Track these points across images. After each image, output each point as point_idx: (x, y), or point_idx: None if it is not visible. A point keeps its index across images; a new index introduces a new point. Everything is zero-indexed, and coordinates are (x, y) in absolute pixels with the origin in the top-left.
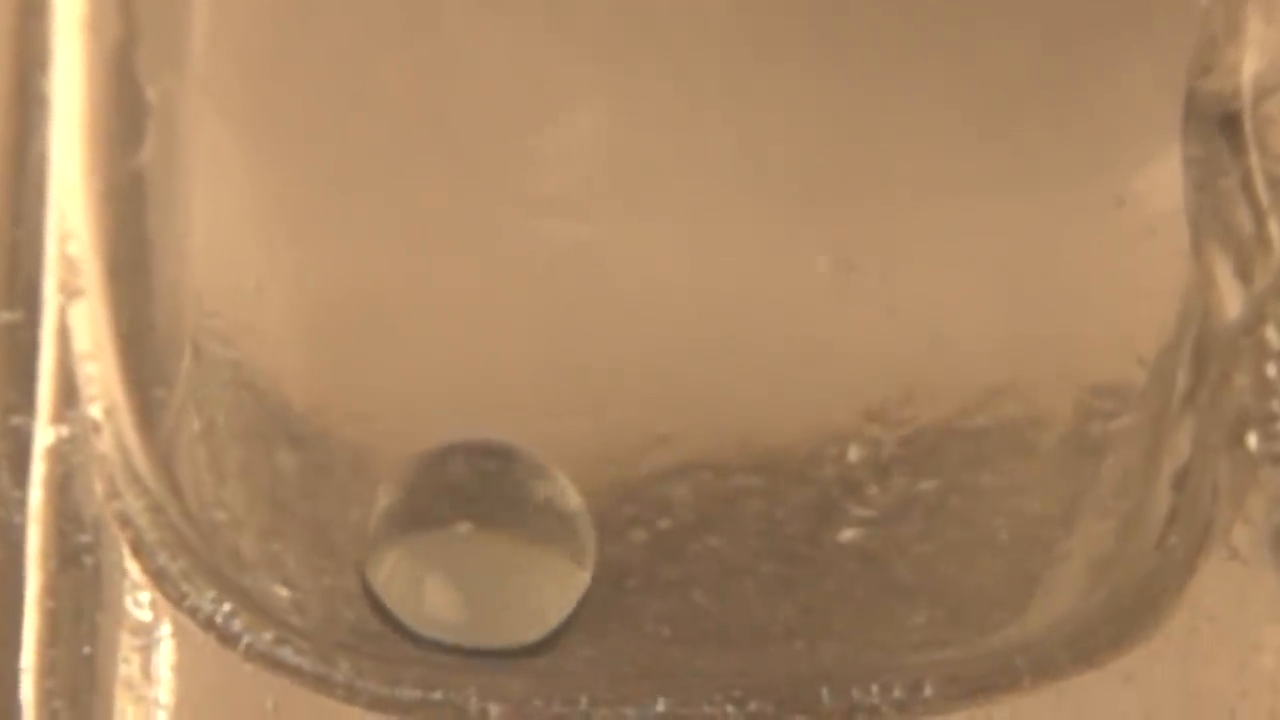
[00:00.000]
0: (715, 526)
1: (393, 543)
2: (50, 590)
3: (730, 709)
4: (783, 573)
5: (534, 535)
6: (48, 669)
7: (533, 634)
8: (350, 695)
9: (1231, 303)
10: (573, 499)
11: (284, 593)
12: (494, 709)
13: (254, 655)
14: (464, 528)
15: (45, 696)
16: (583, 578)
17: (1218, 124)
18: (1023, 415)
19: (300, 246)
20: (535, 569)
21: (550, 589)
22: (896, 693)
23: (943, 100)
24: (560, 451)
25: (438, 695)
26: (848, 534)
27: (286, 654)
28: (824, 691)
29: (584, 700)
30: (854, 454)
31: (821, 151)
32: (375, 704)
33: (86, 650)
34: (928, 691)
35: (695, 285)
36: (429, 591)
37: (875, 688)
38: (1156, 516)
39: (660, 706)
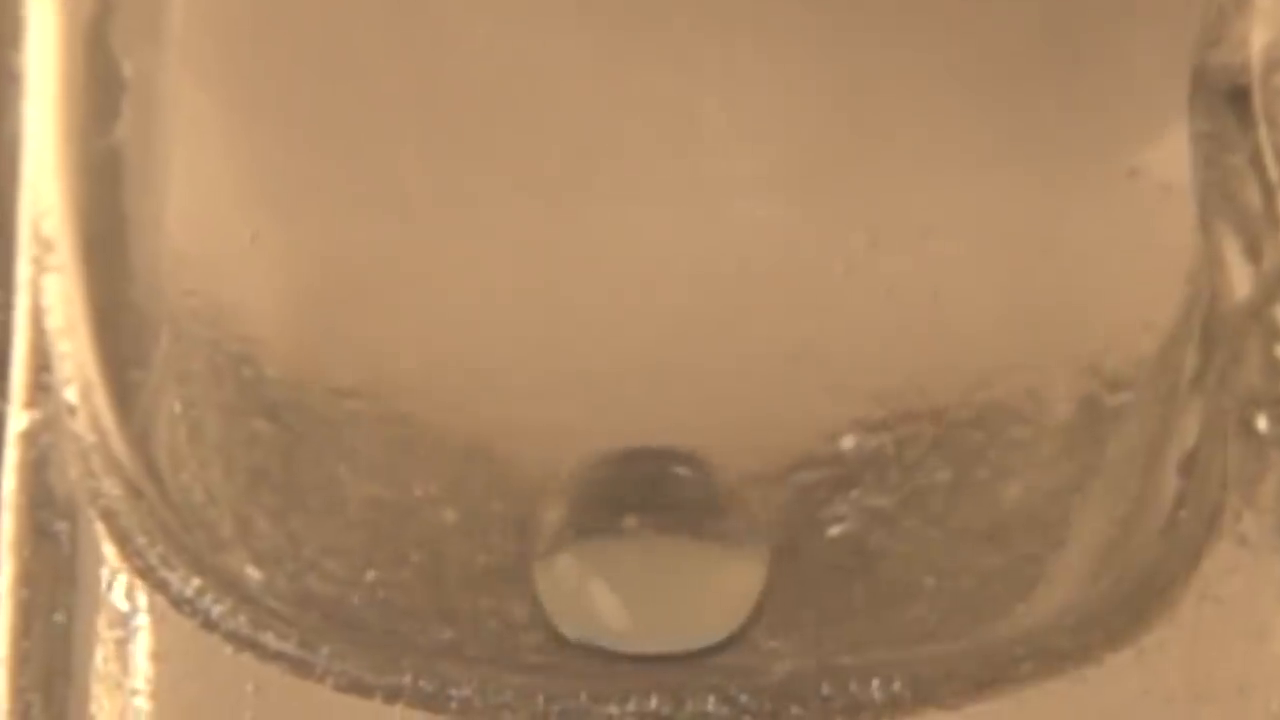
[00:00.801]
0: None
1: (564, 550)
2: (24, 579)
3: (725, 710)
4: (781, 563)
5: (704, 536)
6: (21, 660)
7: (711, 637)
8: (330, 679)
9: (1240, 282)
10: (749, 500)
11: (264, 575)
12: (476, 696)
13: (233, 639)
14: (632, 532)
15: (19, 689)
16: (759, 578)
17: (1226, 98)
18: (1026, 398)
19: (282, 222)
20: (708, 570)
21: (725, 590)
22: (897, 686)
23: (944, 75)
24: (548, 430)
25: (422, 682)
26: (847, 523)
27: (266, 638)
28: (823, 686)
29: (583, 695)
30: (853, 440)
31: (821, 129)
32: (355, 687)
33: (61, 641)
34: (928, 685)
35: (689, 267)
36: (598, 599)
37: (876, 682)
38: (1164, 502)
39: (653, 703)
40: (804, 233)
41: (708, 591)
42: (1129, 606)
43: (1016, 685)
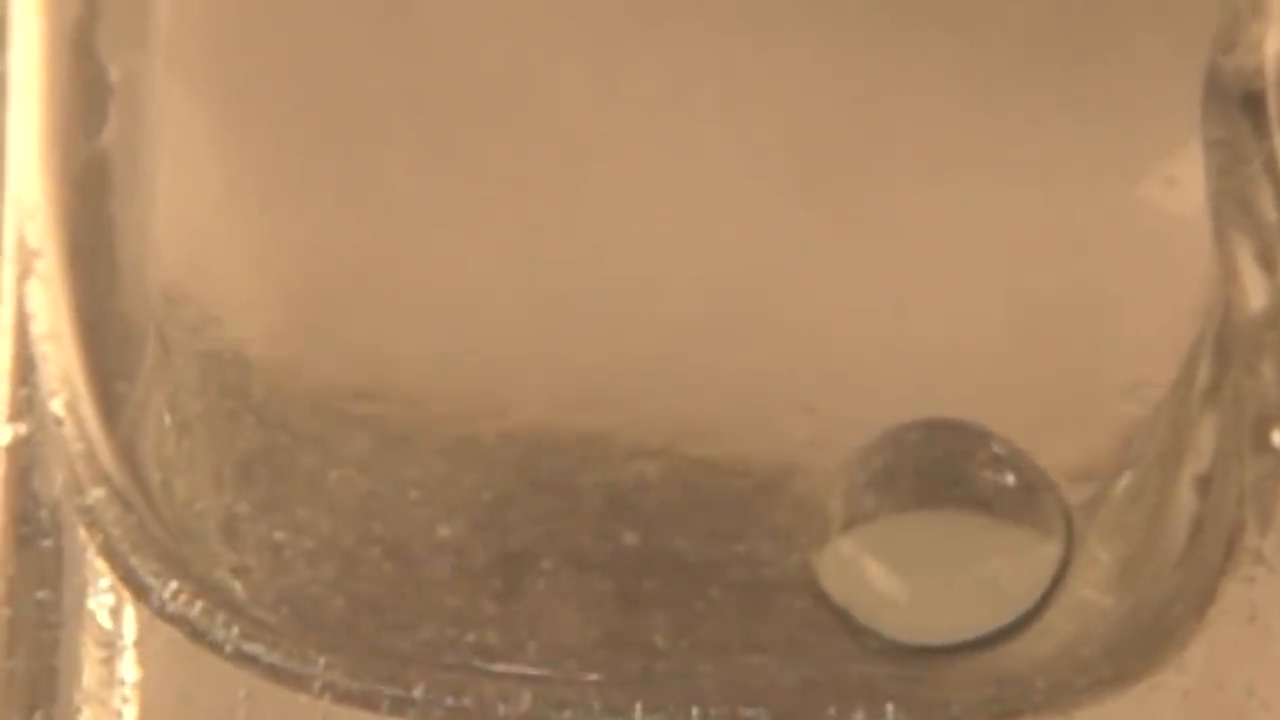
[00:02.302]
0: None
1: (844, 534)
2: (9, 595)
3: None
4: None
5: (997, 513)
6: (6, 678)
7: (1006, 618)
8: (320, 690)
9: (1255, 293)
10: (1030, 470)
11: (253, 587)
12: (473, 706)
13: (222, 651)
14: (919, 512)
15: (4, 708)
16: (1053, 552)
17: (1240, 104)
18: (1033, 411)
19: (271, 228)
20: (1002, 549)
21: (1020, 569)
22: (904, 712)
23: (949, 78)
24: (544, 433)
25: (415, 692)
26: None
27: (256, 649)
28: (831, 711)
29: (596, 706)
30: (855, 451)
31: (822, 132)
32: (346, 699)
33: (48, 656)
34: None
35: (687, 272)
36: (881, 582)
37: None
38: (1180, 522)
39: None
40: (805, 240)
41: (1010, 570)
42: (1149, 632)
43: (1035, 714)
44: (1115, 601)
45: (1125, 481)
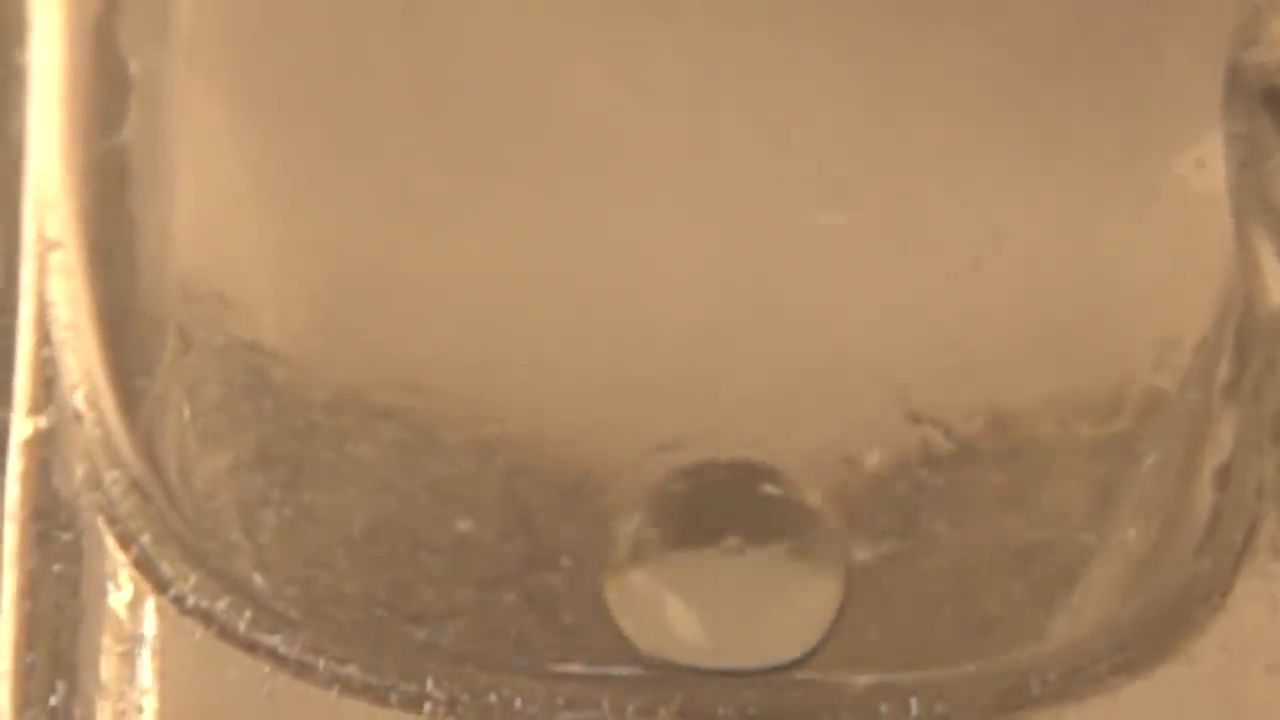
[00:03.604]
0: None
1: (641, 565)
2: (28, 592)
3: None
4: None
5: (781, 550)
6: (26, 671)
7: (788, 653)
8: (339, 684)
9: (1276, 288)
10: (814, 504)
11: (272, 581)
12: (476, 701)
13: (242, 645)
14: (708, 547)
15: (24, 702)
16: (835, 589)
17: (1261, 99)
18: (1055, 409)
19: (291, 223)
20: (785, 585)
21: (803, 605)
22: (926, 705)
23: (970, 75)
24: (562, 431)
25: (434, 688)
26: (868, 539)
27: (276, 643)
28: (844, 710)
29: (604, 704)
30: (875, 455)
31: (843, 129)
32: (365, 693)
33: (67, 651)
34: (953, 708)
35: (707, 267)
36: (672, 615)
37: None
38: (1199, 515)
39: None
40: (826, 236)
41: (785, 608)
42: (1165, 623)
43: (1053, 704)
44: (1134, 589)
45: (1149, 462)
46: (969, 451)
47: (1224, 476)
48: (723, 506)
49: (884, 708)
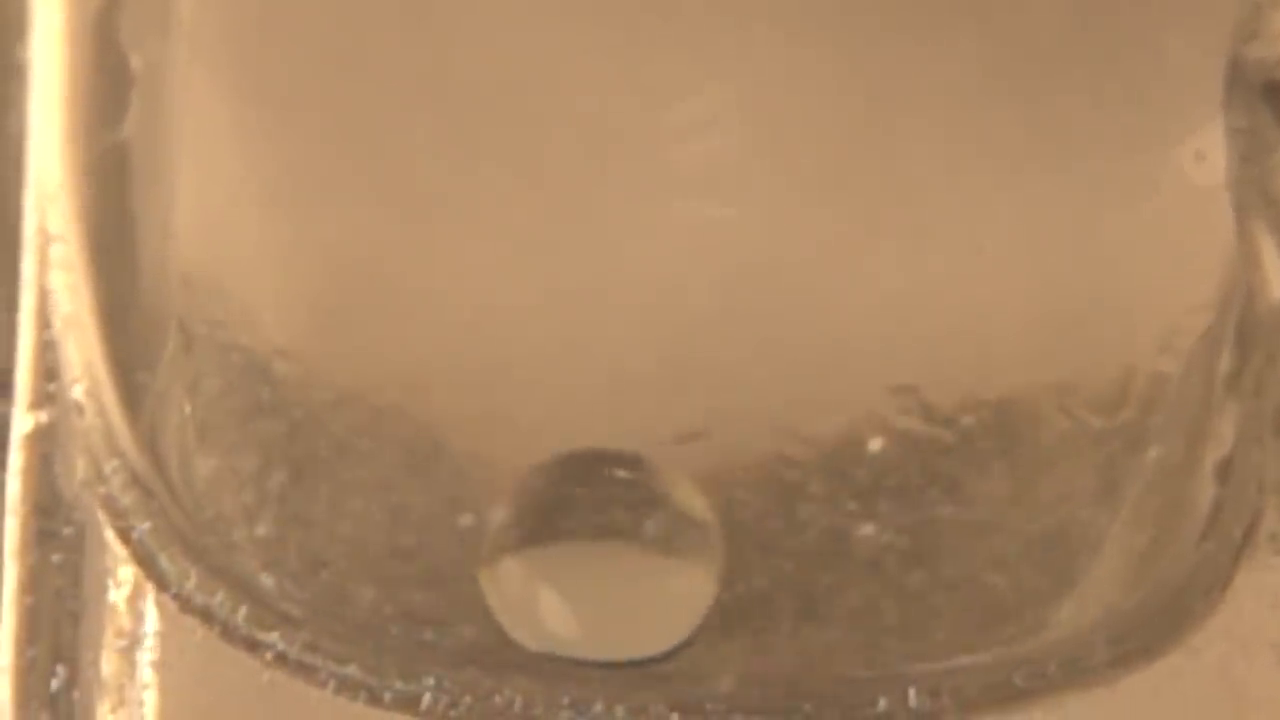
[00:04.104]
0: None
1: (511, 557)
2: (29, 585)
3: (741, 717)
4: (800, 571)
5: (658, 545)
6: (27, 668)
7: (658, 646)
8: (341, 684)
9: (1277, 282)
10: (699, 507)
11: (275, 578)
12: (478, 702)
13: (244, 643)
14: (585, 539)
15: (24, 697)
16: (710, 588)
17: (1263, 93)
18: (1055, 401)
19: (293, 219)
20: (661, 579)
21: (676, 600)
22: (929, 698)
23: (972, 66)
24: (567, 428)
25: (434, 688)
26: (869, 530)
27: (277, 641)
28: (844, 699)
29: (598, 703)
30: (877, 444)
31: (842, 123)
32: (366, 693)
33: (68, 646)
34: (952, 699)
35: (711, 261)
36: (546, 606)
37: (912, 692)
38: (1200, 508)
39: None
40: (825, 231)
41: (659, 599)
42: (1165, 615)
43: (1052, 696)
44: (1135, 581)
45: (1150, 455)
46: (970, 442)
47: (1225, 470)
48: (586, 498)
49: (882, 700)
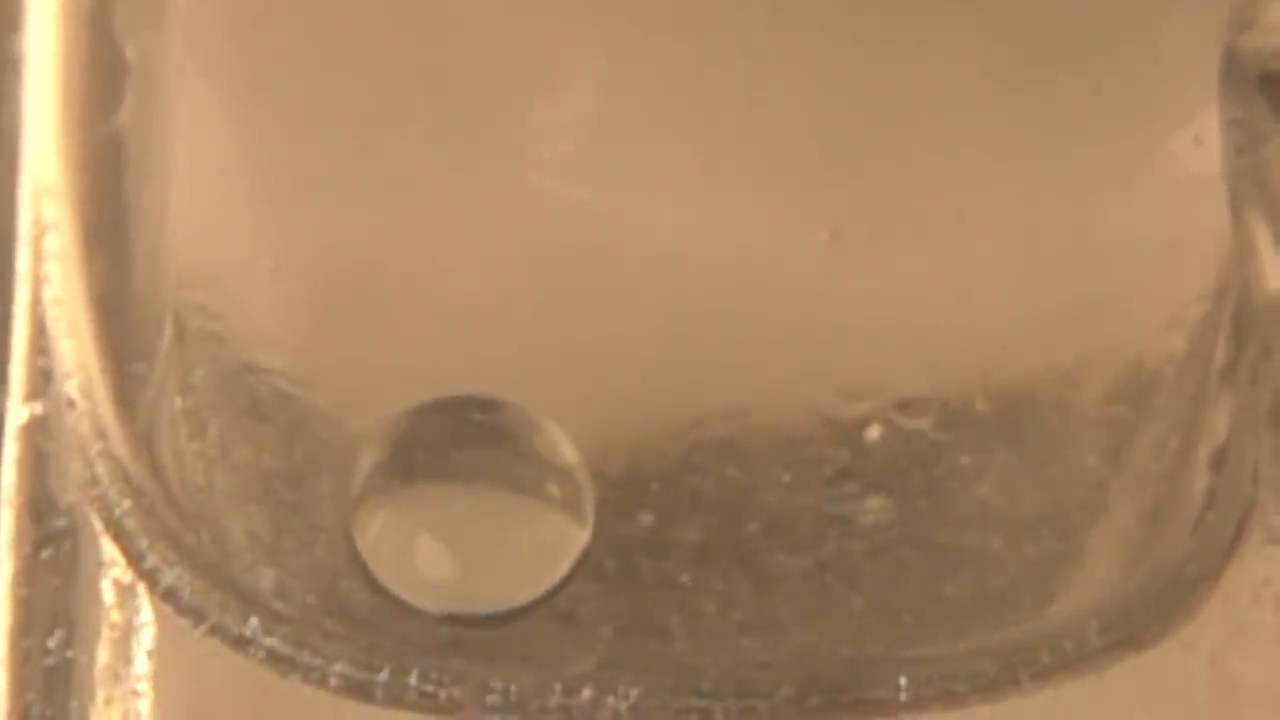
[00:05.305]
0: (719, 505)
1: (380, 504)
2: (23, 577)
3: (732, 701)
4: (794, 557)
5: (529, 491)
6: (21, 660)
7: (529, 594)
8: (333, 682)
9: (1272, 273)
10: (568, 452)
11: (269, 576)
12: (471, 696)
13: (234, 639)
14: (455, 485)
15: (19, 688)
16: (581, 535)
17: (1258, 84)
18: (1051, 391)
19: (288, 212)
20: (532, 526)
21: (548, 547)
22: (923, 684)
23: (967, 59)
24: (562, 418)
25: (426, 685)
26: (864, 518)
27: (268, 639)
28: (839, 683)
29: (585, 689)
30: (873, 432)
31: (839, 113)
32: (360, 691)
33: (61, 640)
34: (947, 683)
35: (704, 253)
36: (419, 553)
37: (903, 679)
38: (1194, 498)
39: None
40: (824, 221)
41: (529, 544)
42: (1158, 604)
43: (1044, 684)
44: (1128, 570)
45: (1145, 444)
46: (965, 430)
47: (1219, 460)
48: (453, 443)
49: (873, 687)
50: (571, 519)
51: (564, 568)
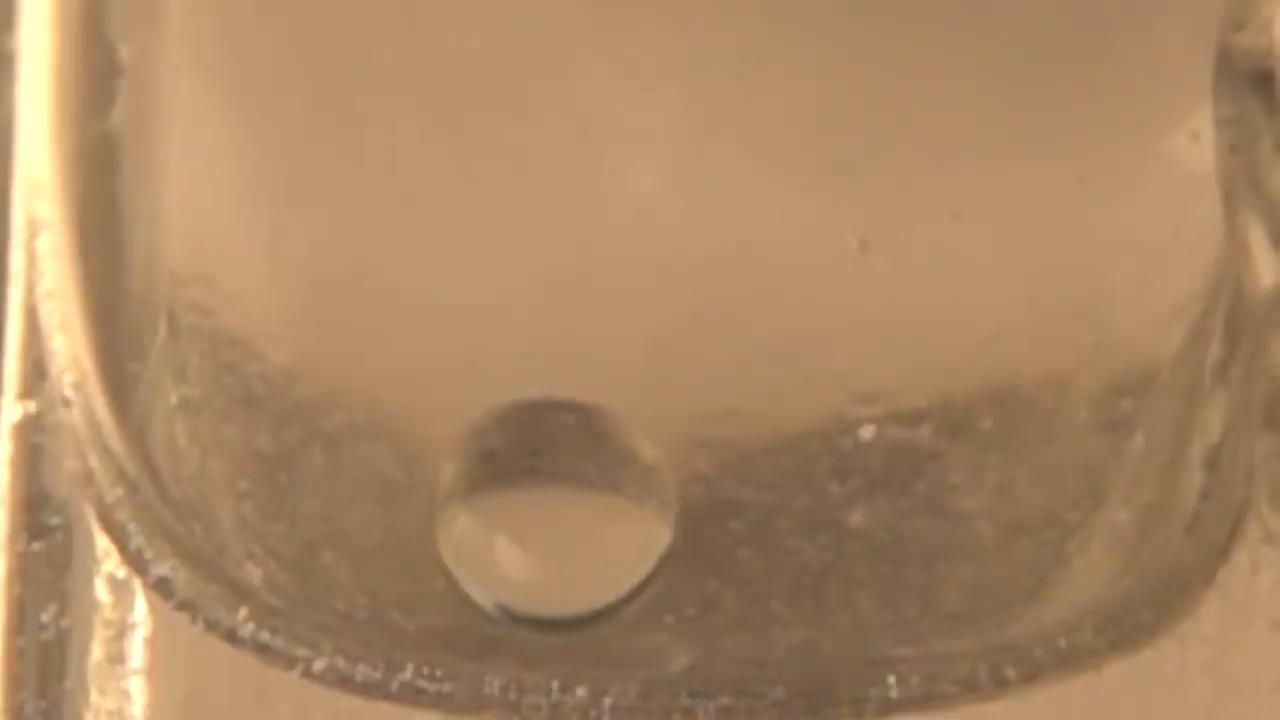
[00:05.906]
0: (716, 505)
1: (462, 507)
2: (18, 574)
3: (724, 701)
4: (789, 557)
5: (612, 493)
6: (15, 656)
7: (612, 595)
8: (328, 676)
9: (1266, 272)
10: (649, 453)
11: (261, 571)
12: (469, 692)
13: (229, 634)
14: (537, 487)
15: (14, 685)
16: (664, 535)
17: (1251, 82)
18: (1046, 390)
19: (282, 210)
20: (615, 527)
21: (631, 547)
22: (914, 683)
23: (964, 58)
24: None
25: (422, 679)
26: (858, 517)
27: (263, 634)
28: (831, 685)
29: (580, 686)
30: (867, 431)
31: (837, 112)
32: (355, 685)
33: (56, 636)
34: (941, 683)
35: (702, 252)
36: (501, 556)
37: (892, 679)
38: (1188, 497)
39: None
40: (821, 218)
41: (612, 543)
42: (1152, 603)
43: (1039, 683)
44: (1122, 569)
45: (1139, 443)
46: (959, 430)
47: (1213, 459)
48: (542, 447)
49: (864, 687)
50: (657, 521)
51: (646, 568)
